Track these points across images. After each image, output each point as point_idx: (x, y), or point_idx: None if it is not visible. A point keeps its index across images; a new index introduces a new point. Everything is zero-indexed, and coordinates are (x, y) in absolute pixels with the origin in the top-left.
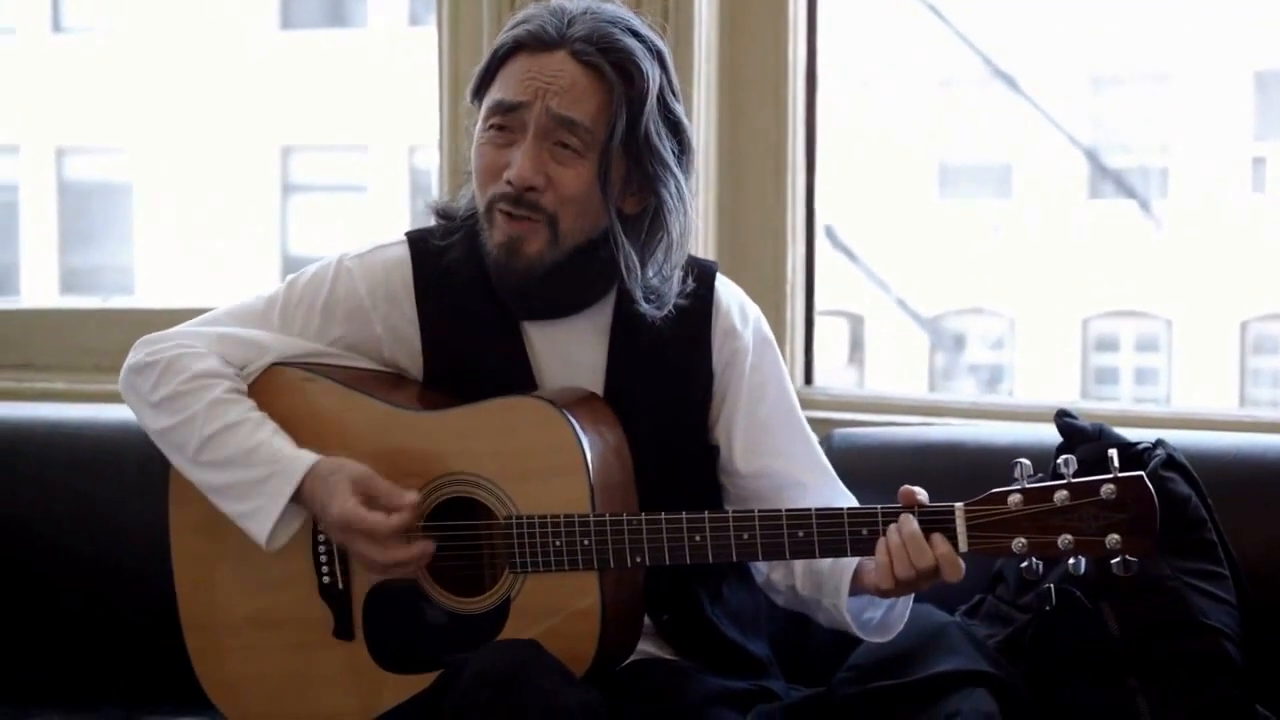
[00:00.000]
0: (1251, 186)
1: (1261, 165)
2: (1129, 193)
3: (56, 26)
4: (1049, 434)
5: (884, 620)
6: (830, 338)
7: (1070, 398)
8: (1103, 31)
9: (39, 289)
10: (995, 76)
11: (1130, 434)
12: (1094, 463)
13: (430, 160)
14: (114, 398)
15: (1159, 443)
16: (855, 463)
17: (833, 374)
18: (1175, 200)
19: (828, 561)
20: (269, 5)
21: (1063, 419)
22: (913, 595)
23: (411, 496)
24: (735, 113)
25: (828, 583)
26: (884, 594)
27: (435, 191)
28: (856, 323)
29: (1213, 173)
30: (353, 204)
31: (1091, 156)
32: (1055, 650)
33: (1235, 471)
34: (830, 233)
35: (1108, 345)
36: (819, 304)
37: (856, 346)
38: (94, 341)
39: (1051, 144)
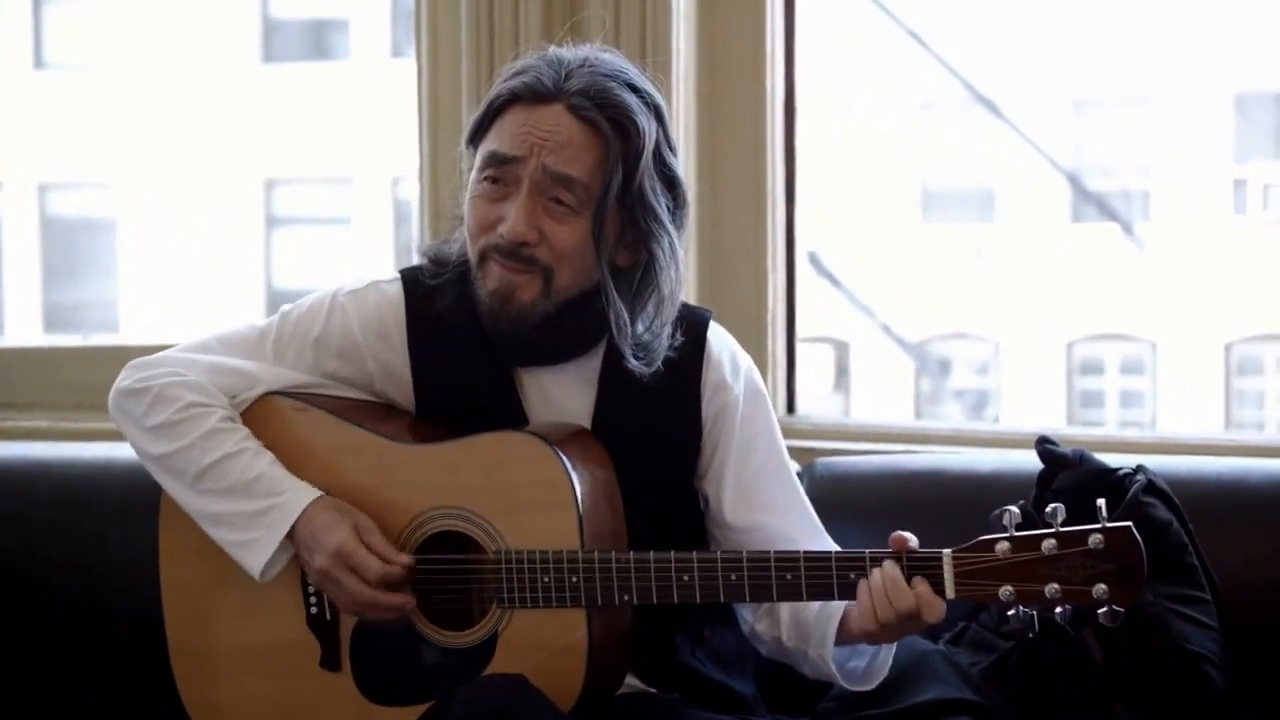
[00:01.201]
0: (1233, 208)
1: (1243, 187)
2: (1111, 216)
3: (38, 62)
4: (1032, 460)
5: (868, 669)
6: (815, 364)
7: (1056, 421)
8: (1083, 55)
9: (22, 326)
10: (977, 101)
11: (1113, 460)
12: (1075, 489)
13: (413, 191)
14: (98, 435)
15: (1139, 468)
16: (836, 492)
17: (819, 401)
18: (1158, 223)
19: (814, 612)
20: (251, 39)
21: (1043, 446)
22: (895, 643)
23: (406, 558)
24: (714, 143)
25: (814, 633)
26: (869, 637)
27: (416, 223)
28: (841, 349)
29: (1195, 195)
30: (337, 236)
31: (1074, 180)
32: (1039, 677)
33: (1219, 496)
34: (814, 259)
35: (1092, 369)
36: (803, 331)
37: (842, 373)
38: (77, 379)
39: (1033, 168)
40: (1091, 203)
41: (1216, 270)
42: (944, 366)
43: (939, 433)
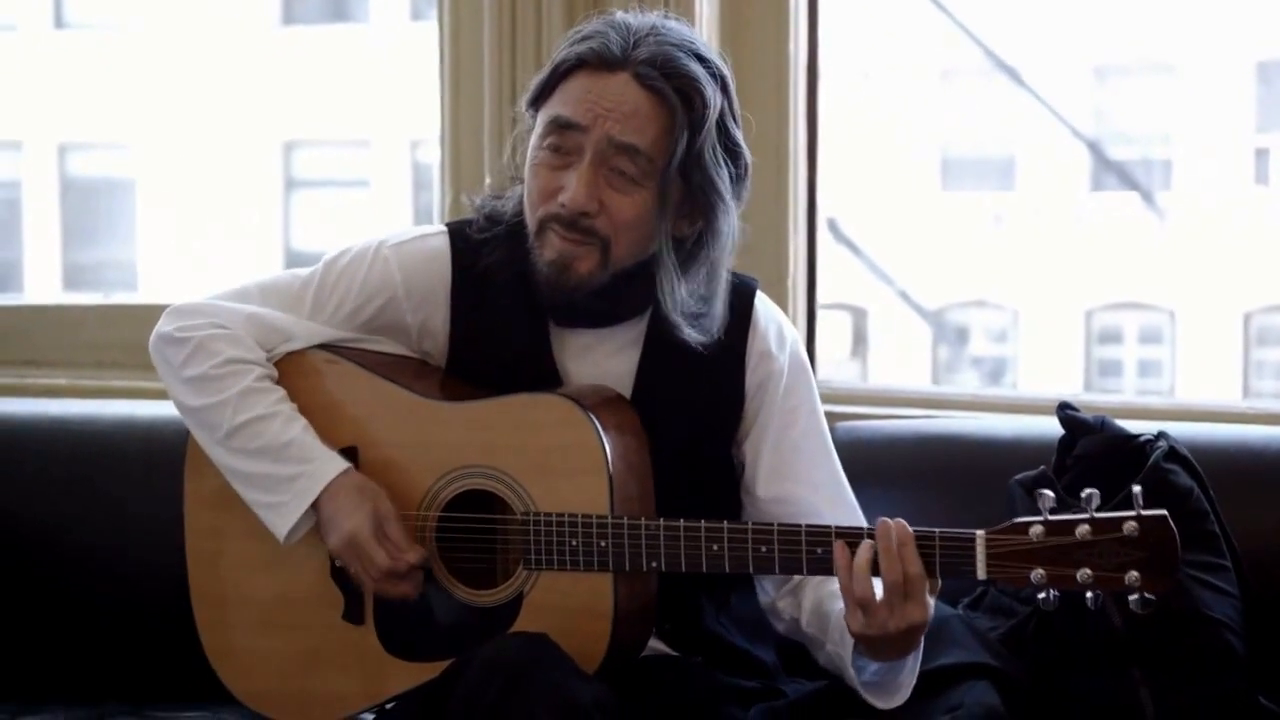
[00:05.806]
0: (1254, 178)
1: (1264, 157)
2: (1132, 184)
3: (59, 22)
4: (1051, 426)
5: (895, 680)
6: (834, 331)
7: (1073, 390)
8: (1105, 23)
9: (42, 285)
10: (997, 68)
11: (1133, 426)
12: (1096, 455)
13: (433, 155)
14: (117, 393)
15: (1161, 434)
16: (856, 455)
17: (837, 367)
18: (1178, 192)
19: (838, 607)
20: (271, 1)
21: (1064, 411)
22: (919, 658)
23: (416, 555)
24: None
25: (834, 627)
26: (857, 636)
27: (437, 187)
28: (860, 316)
29: (1216, 164)
30: (356, 199)
31: (1094, 148)
32: (1058, 642)
33: (1238, 463)
34: (833, 226)
35: (1111, 337)
36: (822, 298)
37: (860, 340)
38: (96, 338)
39: (1054, 136)
40: (1112, 171)
41: (1236, 240)
42: (962, 334)
43: (958, 398)
